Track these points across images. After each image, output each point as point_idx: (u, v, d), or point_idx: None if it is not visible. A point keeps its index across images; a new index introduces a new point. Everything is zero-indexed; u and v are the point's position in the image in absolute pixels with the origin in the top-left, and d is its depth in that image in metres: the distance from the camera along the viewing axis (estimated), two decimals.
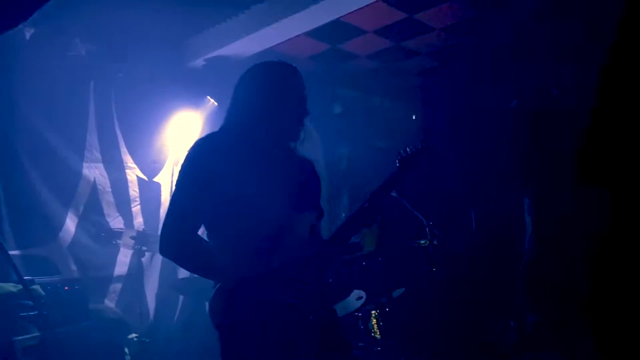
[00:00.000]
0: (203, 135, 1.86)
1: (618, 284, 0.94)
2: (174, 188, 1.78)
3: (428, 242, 4.52)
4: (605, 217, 1.10)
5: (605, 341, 0.92)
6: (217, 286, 1.72)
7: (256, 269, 1.67)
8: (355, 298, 3.84)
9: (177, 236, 1.69)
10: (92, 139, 4.33)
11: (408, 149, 2.22)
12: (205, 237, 1.79)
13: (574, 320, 2.58)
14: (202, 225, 1.78)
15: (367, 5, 3.98)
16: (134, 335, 3.83)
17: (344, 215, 4.76)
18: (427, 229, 4.56)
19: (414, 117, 7.21)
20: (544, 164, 3.07)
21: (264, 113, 1.80)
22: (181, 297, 4.53)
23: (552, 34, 4.62)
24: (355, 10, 4.06)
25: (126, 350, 3.74)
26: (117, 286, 4.29)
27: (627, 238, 0.98)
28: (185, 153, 1.77)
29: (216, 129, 1.87)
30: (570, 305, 2.61)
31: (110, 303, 4.21)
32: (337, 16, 4.15)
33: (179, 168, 1.79)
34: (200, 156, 1.75)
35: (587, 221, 2.63)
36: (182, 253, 1.70)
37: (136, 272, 4.17)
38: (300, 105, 1.86)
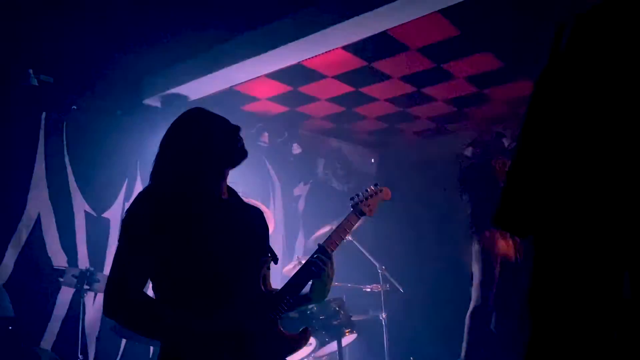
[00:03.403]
0: (144, 187, 1.78)
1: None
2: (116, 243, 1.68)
3: (380, 287, 4.53)
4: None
5: None
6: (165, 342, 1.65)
7: (206, 324, 1.60)
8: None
9: (123, 297, 1.58)
10: (40, 171, 4.16)
11: (361, 194, 2.24)
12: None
13: None
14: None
15: (328, 52, 4.07)
16: None
17: (296, 257, 4.71)
18: (380, 274, 4.57)
19: (372, 161, 7.33)
20: (486, 213, 3.15)
21: (191, 165, 1.73)
22: (123, 341, 4.32)
23: None
24: (317, 56, 4.13)
25: None
26: (55, 327, 4.05)
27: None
28: (129, 207, 1.69)
29: None
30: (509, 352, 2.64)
31: (46, 345, 3.97)
32: (299, 60, 4.21)
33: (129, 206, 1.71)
34: (144, 210, 1.67)
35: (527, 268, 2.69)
36: (130, 315, 1.59)
37: (77, 313, 3.96)
38: (225, 144, 1.78)
